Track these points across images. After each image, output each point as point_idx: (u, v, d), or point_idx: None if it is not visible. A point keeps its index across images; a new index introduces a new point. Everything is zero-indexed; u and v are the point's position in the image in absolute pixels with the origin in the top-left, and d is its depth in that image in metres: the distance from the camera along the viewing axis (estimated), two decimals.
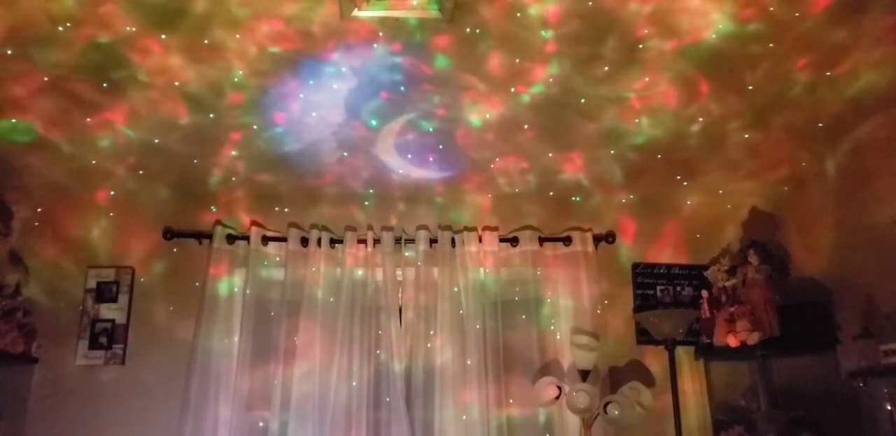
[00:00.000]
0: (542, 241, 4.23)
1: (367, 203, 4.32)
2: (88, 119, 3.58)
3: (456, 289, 4.09)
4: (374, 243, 4.14)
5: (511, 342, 4.11)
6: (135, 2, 2.88)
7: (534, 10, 2.97)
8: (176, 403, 3.84)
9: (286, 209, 4.26)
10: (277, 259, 4.14)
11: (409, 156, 3.98)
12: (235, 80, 3.32)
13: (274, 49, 3.16)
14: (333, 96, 3.47)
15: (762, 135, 3.79)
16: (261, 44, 3.12)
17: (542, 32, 3.08)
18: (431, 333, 4.05)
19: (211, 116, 3.57)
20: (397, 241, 4.17)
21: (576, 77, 3.37)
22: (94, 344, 3.98)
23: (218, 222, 4.14)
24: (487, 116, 3.64)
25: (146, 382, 3.95)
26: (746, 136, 3.78)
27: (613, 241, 4.27)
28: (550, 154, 3.98)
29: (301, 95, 3.45)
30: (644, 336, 4.15)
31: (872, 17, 2.93)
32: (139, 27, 2.99)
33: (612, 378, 4.07)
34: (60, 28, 2.95)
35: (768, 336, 3.70)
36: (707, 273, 4.10)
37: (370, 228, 4.19)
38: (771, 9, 2.94)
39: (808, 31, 3.04)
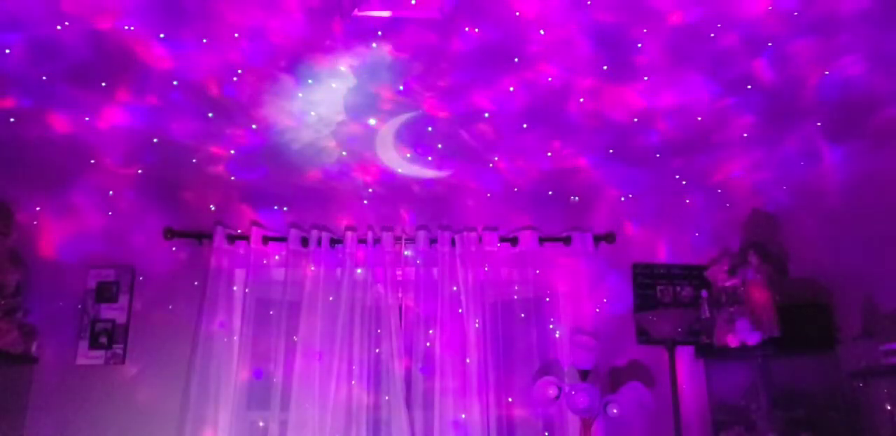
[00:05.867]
0: (542, 241, 4.23)
1: (366, 203, 4.32)
2: (87, 118, 3.58)
3: (455, 289, 4.09)
4: (374, 243, 4.14)
5: (511, 342, 4.11)
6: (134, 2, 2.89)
7: (532, 10, 2.97)
8: (176, 403, 3.85)
9: (285, 209, 4.26)
10: (277, 259, 4.14)
11: (409, 155, 3.98)
12: (234, 78, 3.32)
13: (273, 48, 3.16)
14: (332, 95, 3.47)
15: (762, 135, 3.79)
16: (260, 43, 3.12)
17: (541, 31, 3.08)
18: (431, 332, 4.05)
19: (210, 115, 3.58)
20: (397, 241, 4.17)
21: (575, 75, 3.37)
22: (94, 344, 3.98)
23: (218, 222, 4.14)
24: (486, 115, 3.64)
25: (146, 382, 3.95)
26: (745, 135, 3.78)
27: (613, 241, 4.27)
28: (550, 154, 3.98)
29: (300, 94, 3.45)
30: (644, 336, 4.15)
31: None
32: (138, 25, 2.99)
33: (612, 378, 4.07)
34: (59, 27, 2.95)
35: (768, 336, 3.70)
36: (707, 273, 4.09)
37: (370, 228, 4.19)
38: None
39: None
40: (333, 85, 3.41)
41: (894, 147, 3.52)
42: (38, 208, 4.09)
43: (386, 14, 3.00)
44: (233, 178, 4.14)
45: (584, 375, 3.87)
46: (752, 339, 3.69)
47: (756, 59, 3.24)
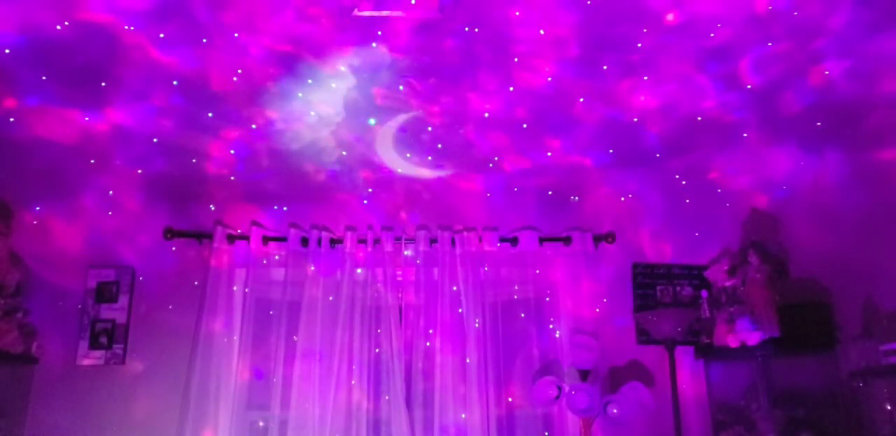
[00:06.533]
0: (542, 241, 4.23)
1: (366, 203, 4.32)
2: (87, 118, 3.59)
3: (455, 289, 4.09)
4: (374, 243, 4.14)
5: (511, 342, 4.11)
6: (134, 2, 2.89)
7: (532, 10, 2.97)
8: (176, 402, 3.85)
9: (285, 209, 4.26)
10: (277, 259, 4.14)
11: (409, 155, 3.98)
12: (234, 79, 3.32)
13: (273, 48, 3.16)
14: (332, 95, 3.48)
15: (761, 134, 3.79)
16: (259, 43, 3.13)
17: (541, 31, 3.08)
18: (431, 332, 4.05)
19: (210, 115, 3.58)
20: (397, 241, 4.17)
21: (575, 75, 3.37)
22: (94, 344, 3.98)
23: (218, 222, 4.14)
24: (486, 115, 3.65)
25: (146, 382, 3.95)
26: (745, 135, 3.79)
27: (613, 241, 4.26)
28: (550, 153, 3.99)
29: (300, 94, 3.46)
30: (644, 336, 4.14)
31: None
32: (138, 25, 2.99)
33: (612, 378, 4.07)
34: (59, 27, 2.96)
35: (768, 336, 3.69)
36: (707, 273, 4.09)
37: (370, 228, 4.19)
38: None
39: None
40: (333, 85, 3.41)
41: (893, 146, 3.52)
42: (38, 208, 4.09)
43: (386, 14, 3.00)
44: (233, 178, 4.14)
45: (584, 375, 3.87)
46: (752, 339, 3.68)
47: (755, 60, 3.25)
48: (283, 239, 4.13)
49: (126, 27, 3.00)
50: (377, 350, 4.00)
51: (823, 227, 3.97)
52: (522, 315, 4.17)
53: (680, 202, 4.38)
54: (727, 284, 3.95)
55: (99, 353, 3.97)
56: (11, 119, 3.56)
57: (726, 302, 3.91)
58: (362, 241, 4.14)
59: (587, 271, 4.20)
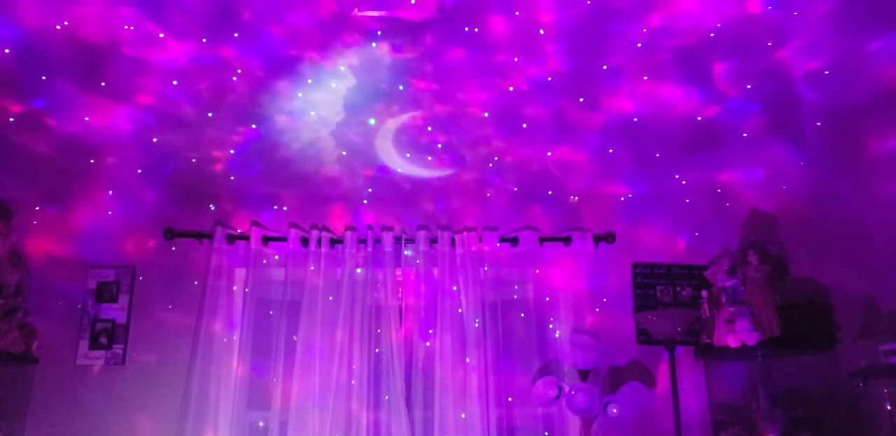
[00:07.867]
0: (542, 241, 4.23)
1: (366, 203, 4.32)
2: (87, 118, 3.59)
3: (455, 288, 4.09)
4: (374, 243, 4.14)
5: (511, 342, 4.11)
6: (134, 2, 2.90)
7: (532, 9, 2.98)
8: (176, 403, 3.84)
9: (285, 209, 4.26)
10: (277, 259, 4.14)
11: (408, 155, 3.98)
12: (234, 78, 3.32)
13: (273, 48, 3.16)
14: (332, 95, 3.48)
15: (761, 134, 3.79)
16: (259, 43, 3.13)
17: (540, 30, 3.08)
18: (431, 332, 4.05)
19: (210, 115, 3.58)
20: (397, 241, 4.17)
21: (576, 75, 3.37)
22: (94, 344, 3.98)
23: (218, 222, 4.14)
24: (486, 115, 3.65)
25: (146, 382, 3.95)
26: (745, 135, 3.79)
27: (613, 241, 4.26)
28: (550, 153, 3.99)
29: (300, 94, 3.46)
30: (644, 336, 4.14)
31: None
32: (138, 26, 3.00)
33: (612, 378, 4.06)
34: (58, 27, 2.96)
35: (768, 336, 3.69)
36: (707, 273, 4.09)
37: (370, 228, 4.19)
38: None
39: None
40: (333, 85, 3.42)
41: (892, 145, 3.52)
42: (37, 208, 4.09)
43: (385, 14, 3.00)
44: (233, 178, 4.14)
45: (584, 375, 3.87)
46: (752, 339, 3.69)
47: (755, 59, 3.25)
48: (283, 239, 4.12)
49: (126, 27, 3.00)
50: (377, 350, 3.99)
51: (823, 227, 3.97)
52: (522, 315, 4.17)
53: (680, 202, 4.38)
54: (727, 284, 3.94)
55: (99, 353, 3.97)
56: (11, 119, 3.57)
57: (726, 302, 3.90)
58: (362, 241, 4.14)
59: (587, 271, 4.20)
